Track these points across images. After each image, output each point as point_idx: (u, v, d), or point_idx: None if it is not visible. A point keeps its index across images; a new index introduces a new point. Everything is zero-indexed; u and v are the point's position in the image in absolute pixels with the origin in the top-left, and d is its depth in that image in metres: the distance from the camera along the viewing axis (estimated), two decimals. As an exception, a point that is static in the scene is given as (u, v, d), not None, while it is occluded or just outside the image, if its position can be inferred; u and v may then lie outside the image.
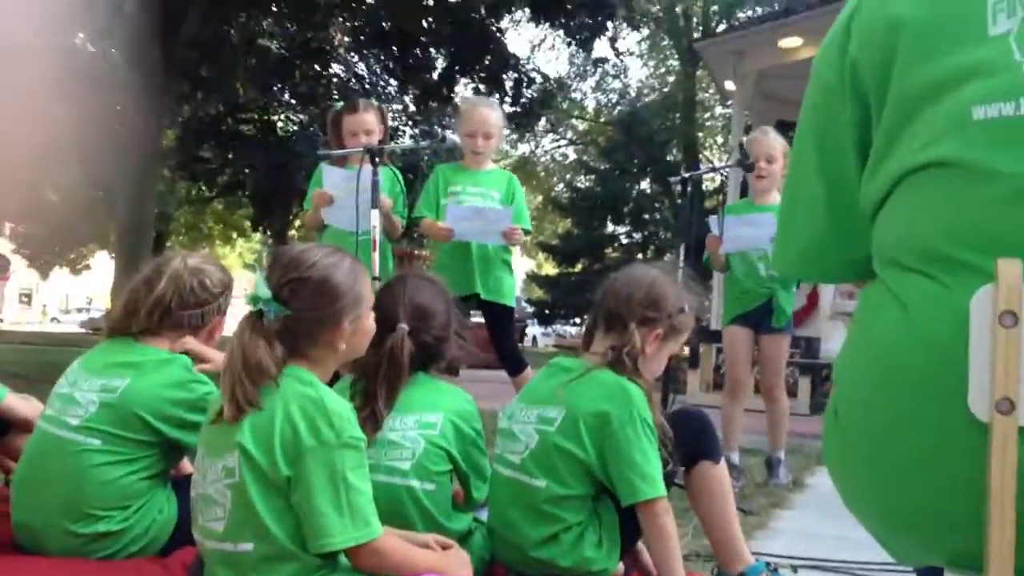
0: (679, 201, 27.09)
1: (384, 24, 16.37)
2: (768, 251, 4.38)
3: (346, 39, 18.06)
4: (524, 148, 33.75)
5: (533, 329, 33.14)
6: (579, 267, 29.77)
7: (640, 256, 27.54)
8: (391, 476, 2.27)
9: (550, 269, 31.16)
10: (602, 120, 34.53)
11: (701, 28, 28.93)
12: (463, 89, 17.69)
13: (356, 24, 16.91)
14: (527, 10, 15.43)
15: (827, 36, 1.45)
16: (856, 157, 1.38)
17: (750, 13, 24.73)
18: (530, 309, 31.14)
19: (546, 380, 2.53)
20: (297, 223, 23.10)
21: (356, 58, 19.52)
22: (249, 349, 1.88)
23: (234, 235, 34.07)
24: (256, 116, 21.08)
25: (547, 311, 30.73)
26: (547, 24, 16.10)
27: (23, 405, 2.77)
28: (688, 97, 30.22)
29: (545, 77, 19.18)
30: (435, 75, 17.05)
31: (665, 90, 33.46)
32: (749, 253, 4.55)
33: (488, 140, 4.40)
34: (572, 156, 36.19)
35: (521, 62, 17.86)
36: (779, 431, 4.68)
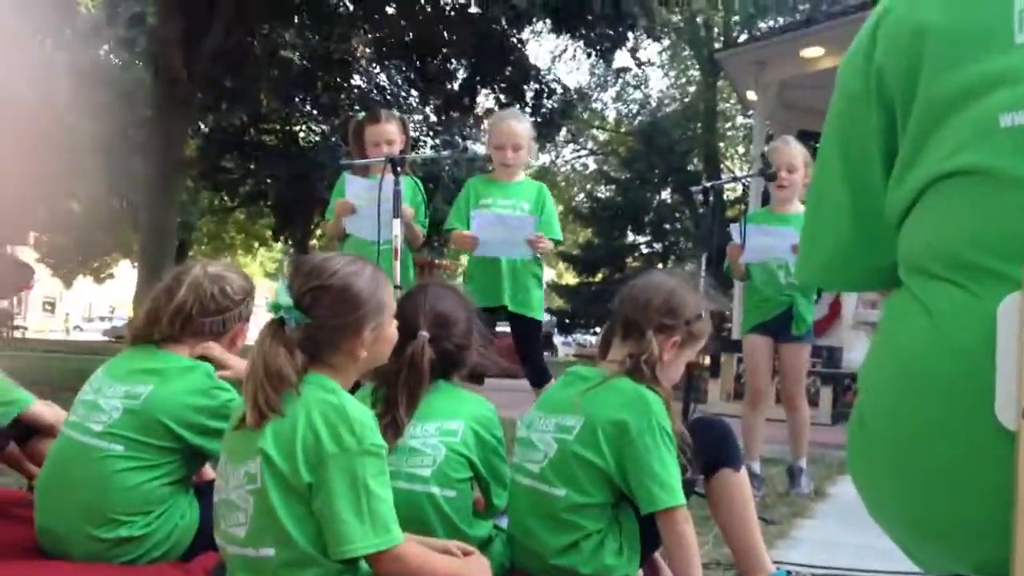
0: (700, 211, 27.07)
1: (405, 35, 16.42)
2: (789, 261, 4.36)
3: (367, 50, 18.14)
4: (545, 158, 33.78)
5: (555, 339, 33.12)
6: (599, 276, 29.78)
7: (660, 266, 27.49)
8: (412, 483, 2.27)
9: (570, 279, 31.16)
10: (622, 130, 34.56)
11: (722, 38, 28.90)
12: (484, 100, 17.75)
13: (377, 35, 16.98)
14: (548, 21, 15.44)
15: (852, 45, 1.44)
16: (882, 164, 1.37)
17: (771, 23, 24.71)
18: (549, 318, 31.12)
19: (564, 389, 2.53)
20: (318, 233, 23.22)
21: (377, 69, 19.59)
22: (270, 356, 1.89)
23: (256, 245, 34.25)
24: (278, 127, 21.21)
25: (567, 320, 30.73)
26: (568, 35, 16.10)
27: (48, 411, 2.80)
28: (709, 107, 30.21)
29: (565, 88, 19.20)
30: (456, 86, 17.08)
31: (686, 100, 33.48)
32: (769, 262, 4.54)
33: (517, 152, 4.40)
34: (592, 166, 36.26)
35: (542, 73, 17.88)
36: (800, 440, 4.66)
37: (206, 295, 2.54)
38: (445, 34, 15.82)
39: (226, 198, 25.45)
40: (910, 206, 1.30)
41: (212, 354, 2.55)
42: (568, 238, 34.36)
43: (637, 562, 2.41)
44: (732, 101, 29.34)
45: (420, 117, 20.27)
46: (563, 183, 36.37)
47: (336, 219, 4.33)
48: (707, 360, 9.72)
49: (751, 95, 11.92)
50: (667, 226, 30.02)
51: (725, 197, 25.66)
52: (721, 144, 31.88)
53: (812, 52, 10.38)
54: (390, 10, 16.19)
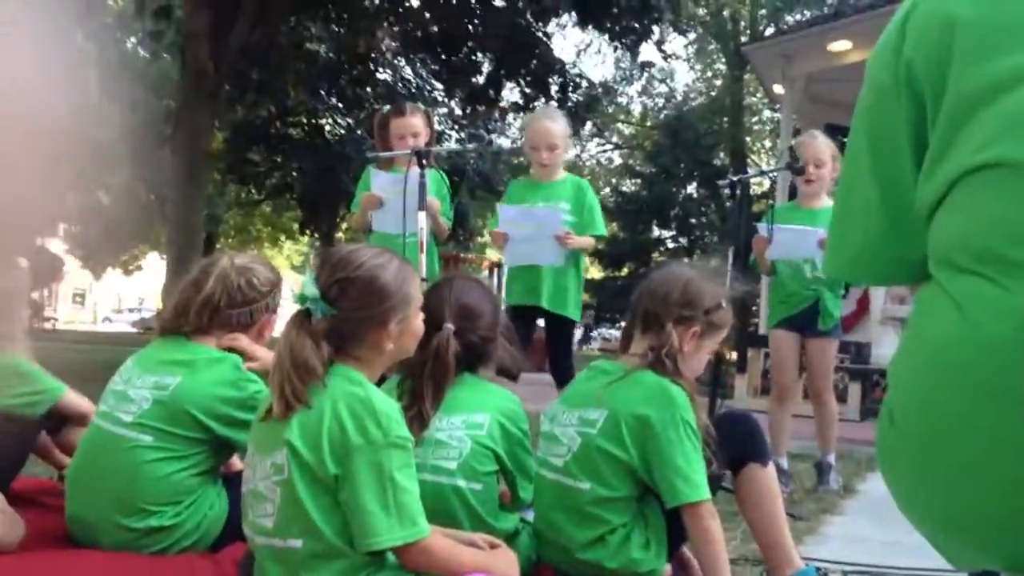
0: (727, 204, 26.96)
1: (430, 28, 16.43)
2: (816, 258, 4.34)
3: (393, 44, 18.16)
4: (570, 153, 33.70)
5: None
6: (625, 271, 29.71)
7: (686, 260, 27.42)
8: (438, 475, 2.28)
9: (596, 273, 31.13)
10: (648, 124, 34.43)
11: (749, 32, 28.76)
12: (509, 93, 17.71)
13: (403, 29, 16.99)
14: (573, 14, 15.39)
15: (881, 38, 1.43)
16: (911, 157, 1.36)
17: (798, 17, 24.55)
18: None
19: (586, 382, 2.53)
20: (344, 225, 23.29)
21: (403, 62, 19.63)
22: (296, 348, 1.90)
23: (282, 237, 34.45)
24: (304, 120, 21.29)
25: (593, 315, 30.67)
26: (593, 28, 16.04)
27: (81, 400, 2.84)
28: (735, 101, 30.08)
29: (591, 82, 19.15)
30: (481, 79, 17.05)
31: (712, 94, 33.32)
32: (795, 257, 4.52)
33: (553, 152, 4.40)
34: (618, 160, 36.16)
35: (567, 66, 17.83)
36: (828, 434, 4.63)
37: (233, 287, 2.56)
38: (470, 27, 15.79)
39: (253, 191, 25.59)
40: (940, 200, 1.29)
41: (240, 345, 2.57)
42: (593, 232, 34.30)
43: (664, 556, 2.41)
44: (759, 95, 29.18)
45: (445, 110, 20.30)
46: (588, 177, 36.25)
47: (362, 212, 4.34)
48: (733, 355, 9.70)
49: (778, 89, 11.86)
50: (693, 220, 29.92)
51: (752, 192, 25.56)
52: (748, 138, 31.73)
53: (840, 46, 10.30)
54: (415, 3, 16.20)
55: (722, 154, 30.55)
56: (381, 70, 19.46)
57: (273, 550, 1.89)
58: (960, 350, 1.18)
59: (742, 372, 9.50)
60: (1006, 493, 1.14)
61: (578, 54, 29.84)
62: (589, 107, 18.37)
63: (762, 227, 4.52)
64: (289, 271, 37.52)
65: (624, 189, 32.59)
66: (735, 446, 2.49)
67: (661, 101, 34.82)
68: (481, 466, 2.32)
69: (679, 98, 34.26)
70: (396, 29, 17.11)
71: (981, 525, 1.18)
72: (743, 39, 27.34)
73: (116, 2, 18.78)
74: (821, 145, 4.57)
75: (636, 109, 35.51)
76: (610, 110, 31.59)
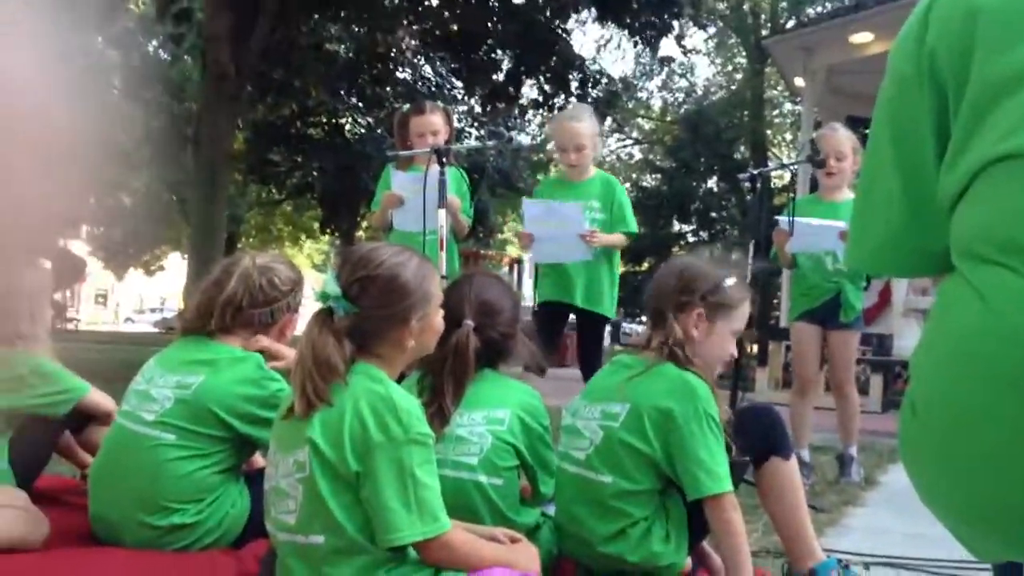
0: (747, 198, 26.85)
1: (450, 27, 16.44)
2: (837, 250, 4.31)
3: (412, 42, 18.19)
4: (600, 149, 33.66)
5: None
6: (645, 266, 29.63)
7: (706, 255, 27.30)
8: (458, 471, 2.28)
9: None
10: (668, 119, 34.33)
11: (769, 25, 28.60)
12: (529, 90, 17.69)
13: (422, 27, 17.02)
14: (593, 10, 15.35)
15: (903, 29, 1.42)
16: (934, 148, 1.35)
17: (819, 9, 24.40)
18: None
19: (609, 376, 2.53)
20: (364, 224, 23.36)
21: (422, 61, 19.65)
22: (318, 346, 1.91)
23: (303, 237, 34.55)
24: (324, 119, 21.36)
25: (622, 311, 30.64)
26: (613, 24, 16.00)
27: (105, 399, 2.86)
28: (756, 94, 29.92)
29: (610, 77, 19.10)
30: (500, 76, 17.04)
31: (733, 88, 33.17)
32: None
33: (580, 152, 4.37)
34: (638, 155, 36.05)
35: (586, 62, 17.80)
36: (850, 427, 4.61)
37: (255, 286, 2.57)
38: (489, 25, 15.79)
39: (273, 191, 25.70)
40: (963, 190, 1.28)
41: (262, 344, 2.58)
42: (614, 227, 34.28)
43: (685, 549, 2.40)
44: (779, 88, 29.02)
45: (465, 108, 20.30)
46: (609, 172, 36.23)
47: (382, 211, 4.35)
48: (755, 348, 9.67)
49: (799, 82, 11.80)
50: (713, 215, 29.82)
51: (772, 185, 25.46)
52: (768, 131, 31.57)
53: (861, 38, 10.23)
54: (435, 2, 16.23)
55: (742, 148, 30.42)
56: (401, 69, 19.50)
57: (295, 546, 1.90)
58: (983, 341, 1.17)
59: (763, 365, 9.47)
60: None
61: (598, 50, 29.70)
62: (609, 103, 18.31)
63: (783, 220, 4.50)
64: (310, 270, 37.69)
65: (644, 184, 32.52)
66: (757, 439, 2.48)
67: (681, 96, 34.69)
68: (502, 461, 2.32)
69: (699, 92, 34.14)
70: (415, 28, 17.14)
71: (1004, 516, 1.17)
72: (763, 32, 27.20)
73: (138, 6, 18.90)
74: (842, 138, 4.55)
75: (656, 104, 35.41)
76: (630, 105, 31.48)
